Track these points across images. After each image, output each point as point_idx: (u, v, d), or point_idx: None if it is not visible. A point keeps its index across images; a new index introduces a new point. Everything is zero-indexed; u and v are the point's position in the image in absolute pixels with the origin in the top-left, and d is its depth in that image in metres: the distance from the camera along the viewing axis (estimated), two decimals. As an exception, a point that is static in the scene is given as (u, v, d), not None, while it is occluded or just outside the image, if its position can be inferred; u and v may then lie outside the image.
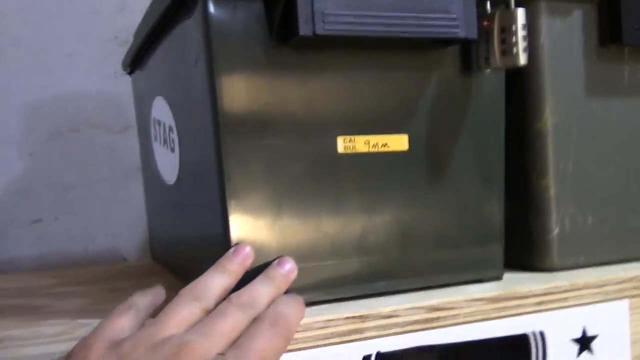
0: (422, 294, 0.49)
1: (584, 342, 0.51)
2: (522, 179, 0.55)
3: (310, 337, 0.43)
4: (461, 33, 0.46)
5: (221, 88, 0.44)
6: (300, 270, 0.45)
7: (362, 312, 0.45)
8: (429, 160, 0.49)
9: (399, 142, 0.49)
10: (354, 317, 0.44)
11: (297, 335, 0.42)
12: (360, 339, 0.44)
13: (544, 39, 0.53)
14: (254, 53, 0.44)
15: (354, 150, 0.47)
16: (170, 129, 0.57)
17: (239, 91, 0.44)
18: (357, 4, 0.43)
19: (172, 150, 0.57)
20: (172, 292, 0.39)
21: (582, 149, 0.54)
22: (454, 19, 0.46)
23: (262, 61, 0.45)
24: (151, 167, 0.68)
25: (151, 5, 0.55)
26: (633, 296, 0.53)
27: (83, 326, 0.44)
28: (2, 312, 0.51)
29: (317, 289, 0.47)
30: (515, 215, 0.55)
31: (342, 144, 0.47)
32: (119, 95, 0.91)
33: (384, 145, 0.48)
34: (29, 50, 0.88)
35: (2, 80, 0.88)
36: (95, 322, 0.45)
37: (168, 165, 0.59)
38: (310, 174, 0.46)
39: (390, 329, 0.45)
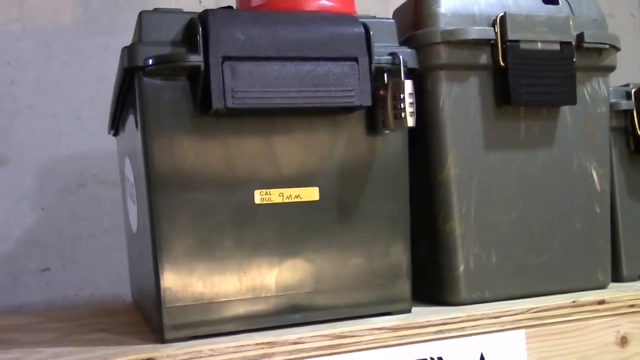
0: (330, 324, 0.56)
1: (482, 368, 0.58)
2: (430, 223, 0.62)
3: (224, 360, 0.51)
4: (356, 102, 0.55)
5: (152, 150, 0.53)
6: (223, 303, 0.54)
7: (271, 339, 0.52)
8: (337, 209, 0.58)
9: (310, 194, 0.57)
10: (263, 344, 0.52)
11: (211, 359, 0.51)
12: (269, 363, 0.52)
13: (444, 102, 0.61)
14: (180, 121, 0.54)
15: (269, 201, 0.56)
16: (133, 185, 0.66)
17: (168, 153, 0.53)
18: (263, 82, 0.53)
19: (134, 203, 0.66)
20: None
21: (483, 197, 0.62)
22: (350, 90, 0.55)
23: (188, 127, 0.54)
24: (127, 219, 0.78)
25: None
26: (529, 326, 0.59)
27: (37, 353, 0.53)
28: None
29: (237, 320, 0.55)
30: (428, 254, 0.63)
31: (259, 196, 0.56)
32: (122, 154, 1.01)
33: (297, 196, 0.57)
34: (42, 114, 0.99)
35: (18, 141, 0.98)
36: (48, 350, 0.54)
37: (133, 216, 0.69)
38: (231, 222, 0.55)
39: (297, 354, 0.53)
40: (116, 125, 0.77)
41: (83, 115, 1.00)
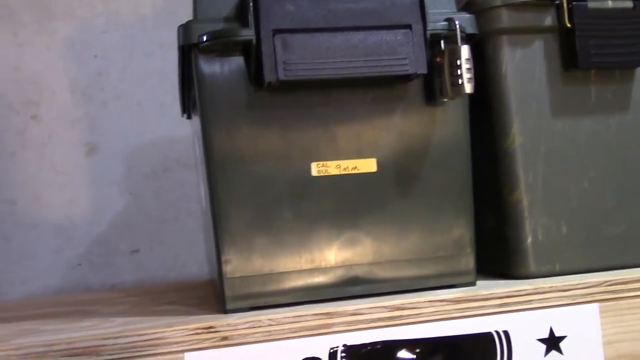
0: (391, 296, 0.56)
1: (551, 342, 0.55)
2: (496, 193, 0.60)
3: (282, 330, 0.52)
4: (411, 70, 0.54)
5: (209, 125, 0.54)
6: (283, 275, 0.55)
7: (329, 309, 0.53)
8: (397, 180, 0.57)
9: (367, 165, 0.57)
10: (321, 314, 0.52)
11: (270, 329, 0.51)
12: (327, 333, 0.52)
13: (507, 68, 0.59)
14: (236, 96, 0.55)
15: (326, 173, 0.56)
16: (200, 162, 0.68)
17: (225, 128, 0.54)
18: (314, 53, 0.53)
19: (202, 180, 0.68)
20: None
21: (551, 165, 0.59)
22: (403, 59, 0.54)
23: (244, 102, 0.55)
24: (201, 199, 0.80)
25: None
26: (603, 300, 0.56)
27: (110, 322, 0.56)
28: (67, 314, 0.64)
29: (297, 292, 0.55)
30: (494, 226, 0.61)
31: (316, 168, 0.56)
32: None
33: (354, 168, 0.56)
34: (128, 103, 1.04)
35: (107, 129, 1.03)
36: (119, 319, 0.56)
37: (202, 194, 0.71)
38: (289, 195, 0.55)
39: (355, 325, 0.53)
40: (188, 108, 0.79)
41: (166, 102, 1.04)
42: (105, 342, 0.50)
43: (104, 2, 1.03)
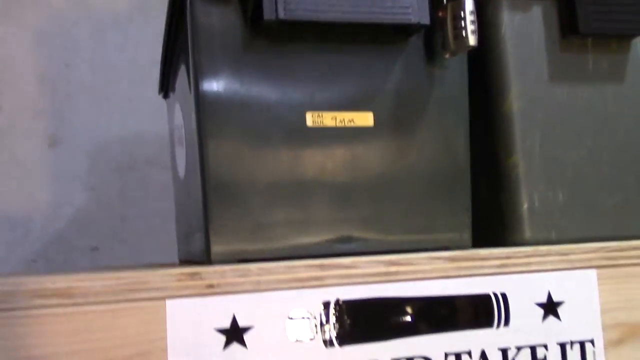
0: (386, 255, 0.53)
1: (549, 307, 0.53)
2: (492, 157, 0.59)
3: (272, 280, 0.48)
4: (414, 19, 0.53)
5: (203, 70, 0.51)
6: (271, 228, 0.51)
7: (322, 262, 0.49)
8: (393, 136, 0.55)
9: (364, 119, 0.54)
10: (314, 266, 0.49)
11: (260, 278, 0.48)
12: (320, 286, 0.49)
13: (505, 30, 0.58)
14: (231, 42, 0.52)
15: (322, 125, 0.53)
16: (182, 126, 0.65)
17: (218, 75, 0.52)
18: (316, -7, 0.51)
19: (183, 145, 0.65)
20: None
21: (548, 132, 0.58)
22: (407, 7, 0.52)
23: (239, 48, 0.52)
24: (175, 173, 0.76)
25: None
26: (601, 266, 0.55)
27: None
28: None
29: (287, 248, 0.52)
30: (490, 192, 0.59)
31: (311, 119, 0.53)
32: (172, 135, 1.01)
33: (350, 120, 0.54)
34: (95, 96, 1.00)
35: (72, 123, 0.99)
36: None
37: (181, 160, 0.67)
38: (284, 144, 0.53)
39: (349, 279, 0.50)
40: (167, 83, 0.76)
41: (135, 97, 1.00)
42: (79, 284, 0.45)
43: (77, -6, 1.00)
